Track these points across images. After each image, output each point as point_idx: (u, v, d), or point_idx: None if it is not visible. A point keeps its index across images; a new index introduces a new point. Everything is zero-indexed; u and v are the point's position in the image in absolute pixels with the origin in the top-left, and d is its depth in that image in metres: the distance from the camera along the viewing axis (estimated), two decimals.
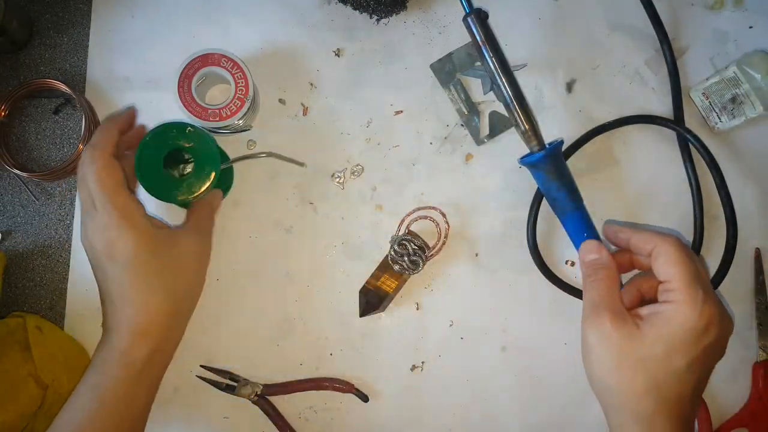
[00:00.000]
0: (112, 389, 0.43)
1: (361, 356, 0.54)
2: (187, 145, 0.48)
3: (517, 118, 0.48)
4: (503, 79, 0.48)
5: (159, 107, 0.55)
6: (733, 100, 0.52)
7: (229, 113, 0.51)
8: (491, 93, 0.55)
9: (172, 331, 0.46)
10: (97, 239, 0.43)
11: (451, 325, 0.54)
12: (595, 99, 0.56)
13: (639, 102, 0.56)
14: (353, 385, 0.53)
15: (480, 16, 0.48)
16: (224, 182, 0.54)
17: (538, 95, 0.56)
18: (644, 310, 0.41)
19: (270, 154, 0.53)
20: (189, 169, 0.50)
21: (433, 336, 0.54)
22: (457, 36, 0.57)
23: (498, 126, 0.55)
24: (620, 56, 0.57)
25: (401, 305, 0.54)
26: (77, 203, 0.55)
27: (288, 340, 0.54)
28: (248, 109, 0.51)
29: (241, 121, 0.52)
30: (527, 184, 0.54)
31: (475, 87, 0.56)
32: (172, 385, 0.53)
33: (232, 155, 0.55)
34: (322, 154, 0.56)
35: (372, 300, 0.52)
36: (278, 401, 0.53)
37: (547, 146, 0.48)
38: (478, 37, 0.48)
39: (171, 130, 0.48)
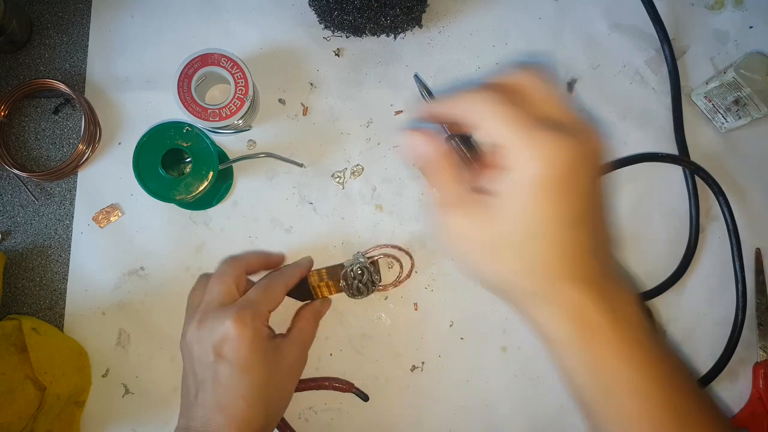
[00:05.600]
0: None
1: (361, 356, 0.54)
2: (185, 145, 0.48)
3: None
4: None
5: (159, 107, 0.55)
6: (737, 102, 0.52)
7: (229, 113, 0.50)
8: None
9: None
10: (208, 335, 0.43)
11: (451, 326, 0.54)
12: (596, 98, 0.56)
13: (639, 102, 0.56)
14: (353, 384, 0.53)
15: (463, 136, 0.46)
16: (223, 182, 0.54)
17: None
18: (494, 184, 0.32)
19: (269, 155, 0.53)
20: (188, 169, 0.50)
21: (433, 336, 0.54)
22: (456, 37, 0.57)
23: None
24: (621, 56, 0.57)
25: (401, 305, 0.54)
26: (76, 203, 0.55)
27: None
28: (248, 108, 0.51)
29: (240, 121, 0.52)
30: None
31: None
32: (172, 386, 0.53)
33: (231, 155, 0.55)
34: (322, 154, 0.55)
35: (302, 293, 0.51)
36: None
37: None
38: (463, 156, 0.45)
39: (169, 129, 0.48)
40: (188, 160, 0.50)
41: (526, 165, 0.30)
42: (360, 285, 0.51)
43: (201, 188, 0.48)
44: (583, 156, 0.31)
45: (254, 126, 0.56)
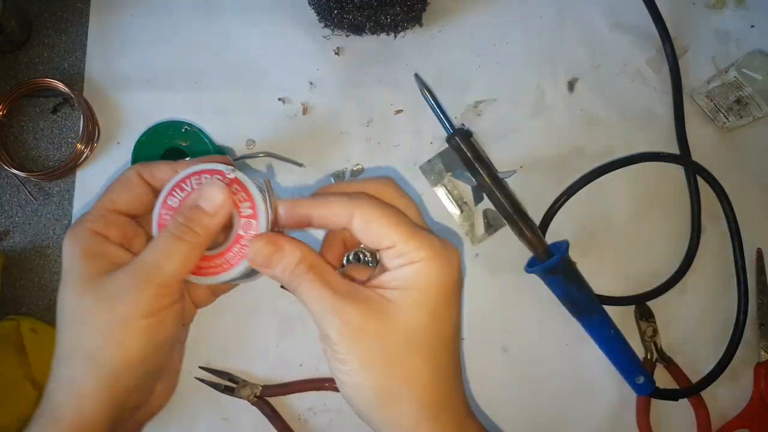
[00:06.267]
0: None
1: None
2: (183, 144, 0.48)
3: (519, 230, 0.48)
4: (497, 193, 0.48)
5: (158, 107, 0.55)
6: (738, 101, 0.51)
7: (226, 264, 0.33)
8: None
9: None
10: None
11: None
12: (597, 98, 0.56)
13: (640, 101, 0.56)
14: None
15: (464, 135, 0.48)
16: None
17: (539, 94, 0.56)
18: (390, 282, 0.31)
19: (268, 154, 0.52)
20: None
21: None
22: (456, 36, 0.57)
23: (495, 224, 0.54)
24: (622, 55, 0.56)
25: None
26: (75, 203, 0.55)
27: (287, 341, 0.54)
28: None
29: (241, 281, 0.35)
30: (526, 186, 0.54)
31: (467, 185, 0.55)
32: None
33: (230, 155, 0.54)
34: (322, 153, 0.55)
35: None
36: (278, 402, 0.53)
37: (554, 251, 0.48)
38: (464, 155, 0.48)
39: (167, 129, 0.48)
40: (187, 160, 0.50)
41: (437, 269, 0.31)
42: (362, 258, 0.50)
43: None
44: (459, 269, 0.32)
45: (254, 126, 0.55)
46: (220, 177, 0.33)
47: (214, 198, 0.32)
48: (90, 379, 0.31)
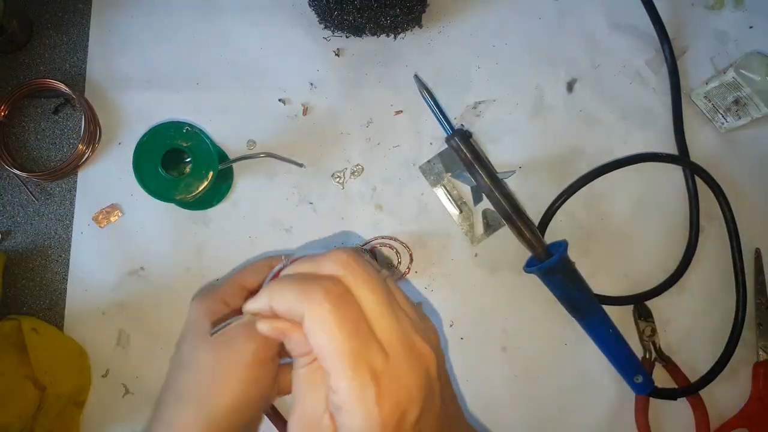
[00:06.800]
0: None
1: None
2: (185, 145, 0.48)
3: (518, 230, 0.48)
4: (496, 193, 0.48)
5: (159, 107, 0.55)
6: (737, 102, 0.52)
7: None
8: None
9: None
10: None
11: (451, 326, 0.54)
12: (596, 99, 0.56)
13: (639, 102, 0.56)
14: None
15: (463, 135, 0.48)
16: (223, 182, 0.54)
17: (538, 95, 0.56)
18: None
19: (269, 155, 0.53)
20: (188, 169, 0.50)
21: None
22: (456, 37, 0.57)
23: (494, 224, 0.54)
24: (621, 56, 0.57)
25: None
26: (77, 203, 0.55)
27: None
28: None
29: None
30: (525, 186, 0.54)
31: (466, 185, 0.55)
32: None
33: (231, 155, 0.55)
34: (322, 154, 0.55)
35: None
36: (278, 402, 0.53)
37: (553, 251, 0.48)
38: (463, 156, 0.48)
39: (169, 129, 0.48)
40: (188, 160, 0.50)
41: (361, 423, 0.27)
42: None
43: (201, 188, 0.48)
44: (423, 392, 0.28)
45: (254, 125, 0.56)
46: None
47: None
48: (193, 419, 0.35)
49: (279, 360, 0.39)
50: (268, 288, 0.30)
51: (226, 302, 0.40)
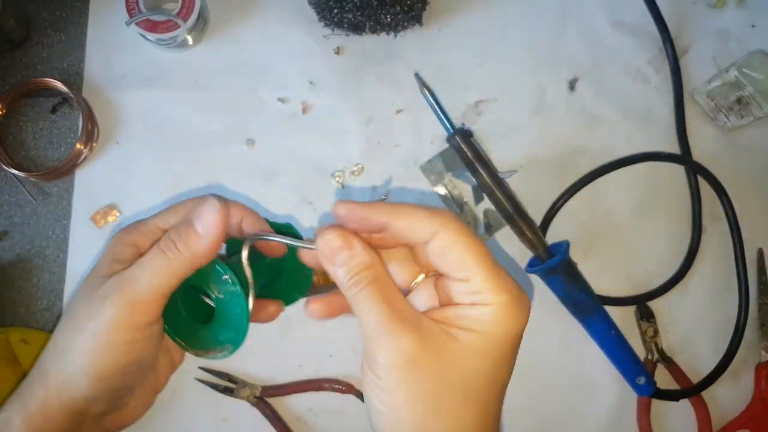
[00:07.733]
0: None
1: (361, 357, 0.53)
2: (213, 296, 0.35)
3: (519, 230, 0.48)
4: (498, 193, 0.47)
5: (158, 107, 0.55)
6: (739, 101, 0.51)
7: (175, 25, 0.52)
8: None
9: None
10: None
11: None
12: (598, 98, 0.56)
13: (641, 101, 0.56)
14: (353, 385, 0.52)
15: (464, 135, 0.48)
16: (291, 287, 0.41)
17: (540, 93, 0.56)
18: (458, 320, 0.29)
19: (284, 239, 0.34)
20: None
21: None
22: (456, 35, 0.56)
23: (495, 224, 0.54)
24: (623, 55, 0.56)
25: None
26: (74, 203, 0.54)
27: (287, 342, 0.53)
28: (196, 20, 0.53)
29: (189, 36, 0.53)
30: (526, 186, 0.53)
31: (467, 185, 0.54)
32: (170, 388, 0.52)
33: (231, 155, 0.54)
34: (322, 153, 0.55)
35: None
36: (277, 403, 0.53)
37: (555, 252, 0.47)
38: (464, 155, 0.47)
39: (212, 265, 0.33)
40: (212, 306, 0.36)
41: (510, 318, 0.28)
42: None
43: (211, 354, 0.37)
44: (528, 320, 0.30)
45: (254, 125, 0.55)
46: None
47: (206, 219, 0.31)
48: (55, 375, 0.32)
49: (159, 329, 0.33)
50: (390, 207, 0.29)
51: (139, 246, 0.33)
